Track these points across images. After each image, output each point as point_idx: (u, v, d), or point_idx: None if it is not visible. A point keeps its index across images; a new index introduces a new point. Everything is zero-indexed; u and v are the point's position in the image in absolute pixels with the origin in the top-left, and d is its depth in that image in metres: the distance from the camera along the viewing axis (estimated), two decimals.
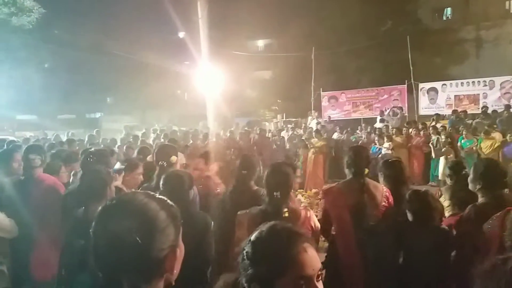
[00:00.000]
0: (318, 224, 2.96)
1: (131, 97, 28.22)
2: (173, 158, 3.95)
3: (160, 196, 1.27)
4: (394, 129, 13.23)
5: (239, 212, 3.07)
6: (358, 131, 14.92)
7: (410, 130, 12.76)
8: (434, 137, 11.91)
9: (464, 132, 10.95)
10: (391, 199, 3.19)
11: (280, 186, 2.82)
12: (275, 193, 2.78)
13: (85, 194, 2.91)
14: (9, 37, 21.34)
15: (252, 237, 1.36)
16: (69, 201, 3.32)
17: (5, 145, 9.44)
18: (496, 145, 9.94)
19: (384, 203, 3.16)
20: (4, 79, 21.08)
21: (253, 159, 3.80)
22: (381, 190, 3.23)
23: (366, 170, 3.20)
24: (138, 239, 1.09)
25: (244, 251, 1.33)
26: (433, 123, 13.84)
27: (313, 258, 1.27)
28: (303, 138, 13.18)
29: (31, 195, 3.54)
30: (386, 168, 3.62)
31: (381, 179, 3.62)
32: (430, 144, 11.06)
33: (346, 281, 3.03)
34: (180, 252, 1.24)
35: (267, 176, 2.95)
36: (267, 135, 14.63)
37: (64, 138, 14.25)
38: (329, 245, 3.32)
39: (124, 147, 6.18)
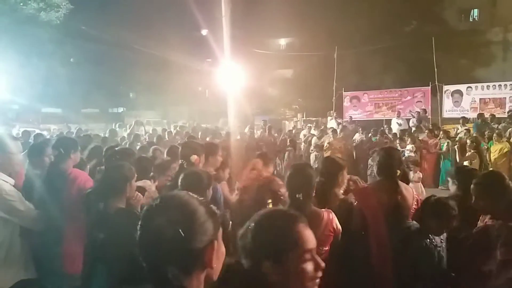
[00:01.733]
0: (339, 227, 2.91)
1: (154, 93, 28.57)
2: (193, 157, 3.92)
3: (197, 196, 1.36)
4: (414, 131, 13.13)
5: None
6: (386, 132, 14.64)
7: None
8: (444, 141, 11.90)
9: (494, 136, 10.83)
10: (419, 203, 3.19)
11: (303, 187, 2.79)
12: (297, 194, 2.76)
13: (106, 189, 2.94)
14: (37, 32, 21.82)
15: (254, 222, 1.49)
16: (91, 197, 3.38)
17: (32, 138, 9.72)
18: (505, 150, 9.80)
19: (414, 205, 3.17)
20: (31, 73, 21.57)
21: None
22: (411, 192, 3.24)
23: (398, 172, 3.20)
24: (180, 231, 1.20)
25: (249, 234, 1.46)
26: (459, 127, 13.63)
27: (311, 234, 1.48)
28: (317, 137, 13.08)
29: (63, 190, 3.59)
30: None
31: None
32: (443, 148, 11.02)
33: (375, 280, 3.00)
34: (220, 247, 1.33)
35: (289, 177, 2.92)
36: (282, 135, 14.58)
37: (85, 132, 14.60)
38: (352, 245, 3.20)
39: (151, 150, 6.07)
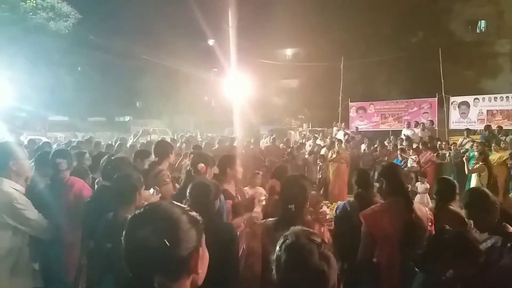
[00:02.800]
0: (330, 240, 2.92)
1: (160, 102, 28.67)
2: (200, 165, 3.95)
3: (180, 204, 1.40)
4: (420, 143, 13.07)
5: (257, 222, 3.10)
6: (386, 143, 14.66)
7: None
8: (446, 153, 11.91)
9: (474, 145, 11.10)
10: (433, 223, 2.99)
11: (295, 198, 2.78)
12: (289, 205, 2.74)
13: (115, 198, 2.94)
14: (46, 41, 22.07)
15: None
16: (92, 207, 3.36)
17: (41, 144, 9.74)
18: (504, 158, 9.78)
19: (429, 227, 2.95)
20: (39, 81, 21.76)
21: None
22: (425, 212, 3.01)
23: (409, 187, 3.07)
24: (165, 240, 1.22)
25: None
26: (464, 139, 13.57)
27: None
28: (326, 148, 13.03)
29: (61, 198, 3.62)
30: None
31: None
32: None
33: None
34: (204, 253, 1.37)
35: (283, 187, 2.93)
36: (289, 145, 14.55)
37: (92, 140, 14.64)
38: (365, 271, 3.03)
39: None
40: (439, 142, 13.23)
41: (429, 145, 12.34)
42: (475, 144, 10.95)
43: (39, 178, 3.93)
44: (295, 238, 1.58)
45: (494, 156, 10.23)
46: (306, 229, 1.66)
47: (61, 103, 24.27)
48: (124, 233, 1.31)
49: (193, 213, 1.38)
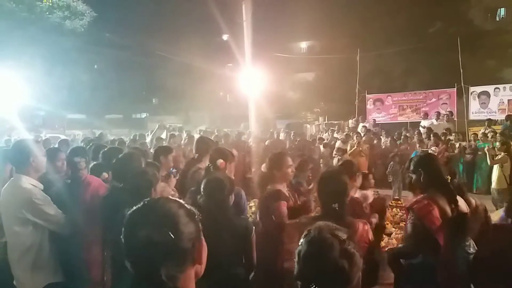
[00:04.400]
0: (373, 238, 2.78)
1: (176, 98, 28.87)
2: (219, 161, 3.91)
3: (176, 199, 1.45)
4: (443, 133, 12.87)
5: (288, 222, 3.00)
6: (408, 135, 14.39)
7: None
8: (456, 144, 11.86)
9: (480, 136, 11.71)
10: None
11: (338, 196, 2.65)
12: (333, 204, 2.61)
13: (130, 194, 2.94)
14: (62, 40, 22.37)
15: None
16: (109, 202, 3.37)
17: (57, 144, 9.87)
18: (490, 147, 9.71)
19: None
20: (56, 80, 22.09)
21: None
22: (463, 202, 2.96)
23: (449, 177, 2.96)
24: (170, 233, 1.27)
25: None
26: (484, 130, 13.30)
27: None
28: (342, 142, 12.90)
29: (79, 197, 3.63)
30: None
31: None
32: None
33: None
34: (204, 243, 1.43)
35: (322, 184, 2.78)
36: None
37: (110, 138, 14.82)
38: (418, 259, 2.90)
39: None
40: (453, 134, 13.00)
41: (442, 138, 12.17)
42: (497, 135, 10.78)
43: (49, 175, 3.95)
44: (318, 231, 1.56)
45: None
46: (332, 224, 1.62)
47: (79, 101, 24.63)
48: (123, 232, 1.34)
49: (189, 207, 1.41)
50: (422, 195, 2.95)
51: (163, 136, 13.89)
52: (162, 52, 24.95)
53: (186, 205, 1.41)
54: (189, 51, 25.52)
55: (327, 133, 15.84)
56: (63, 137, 17.50)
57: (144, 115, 32.80)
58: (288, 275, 2.73)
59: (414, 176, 3.00)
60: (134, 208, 1.40)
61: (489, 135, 11.83)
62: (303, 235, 1.61)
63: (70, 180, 3.83)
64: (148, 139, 12.85)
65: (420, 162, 3.02)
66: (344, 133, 14.23)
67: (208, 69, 26.23)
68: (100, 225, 3.42)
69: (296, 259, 1.57)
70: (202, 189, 2.94)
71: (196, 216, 1.41)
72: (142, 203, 1.41)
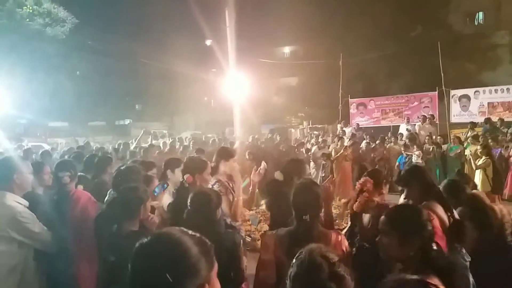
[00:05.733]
0: (349, 248, 2.74)
1: (160, 104, 28.70)
2: (186, 176, 3.88)
3: (194, 233, 1.36)
4: (427, 137, 13.10)
5: (266, 232, 2.97)
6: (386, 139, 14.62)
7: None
8: (430, 147, 12.03)
9: (451, 138, 12.08)
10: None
11: (310, 207, 2.65)
12: (304, 216, 2.61)
13: (119, 211, 2.89)
14: (43, 47, 22.06)
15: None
16: (102, 219, 3.32)
17: (40, 154, 9.69)
18: (478, 152, 9.69)
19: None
20: (38, 87, 21.75)
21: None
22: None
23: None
24: (168, 275, 1.18)
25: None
26: (467, 133, 13.59)
27: None
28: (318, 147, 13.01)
29: (67, 212, 3.57)
30: None
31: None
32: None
33: None
34: (215, 284, 1.34)
35: (295, 195, 2.76)
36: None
37: (93, 146, 14.58)
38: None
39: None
40: (427, 137, 13.20)
41: (416, 141, 12.43)
42: (470, 139, 11.03)
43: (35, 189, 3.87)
44: (308, 253, 1.57)
45: (471, 148, 10.44)
46: (323, 246, 1.64)
47: (61, 109, 24.28)
48: (130, 262, 1.29)
49: (204, 244, 1.33)
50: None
51: (148, 141, 13.79)
52: (146, 57, 24.83)
53: (203, 241, 1.33)
54: (173, 56, 25.45)
55: (313, 139, 15.86)
56: (45, 145, 17.30)
57: (127, 121, 32.45)
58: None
59: (407, 189, 3.04)
60: (146, 238, 1.31)
61: (469, 138, 12.01)
62: (295, 256, 1.61)
63: (58, 195, 3.73)
64: (132, 147, 12.67)
65: (414, 174, 3.07)
66: (321, 139, 14.25)
67: (192, 74, 26.18)
68: (90, 241, 3.35)
69: (287, 280, 1.58)
70: (189, 203, 2.90)
71: (210, 256, 1.32)
72: (155, 234, 1.34)
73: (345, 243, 2.69)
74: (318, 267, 1.51)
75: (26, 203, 3.20)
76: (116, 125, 31.70)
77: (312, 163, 12.50)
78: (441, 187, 3.80)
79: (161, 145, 13.24)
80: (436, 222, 2.67)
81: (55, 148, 16.21)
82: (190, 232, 1.35)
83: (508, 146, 10.97)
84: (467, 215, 2.86)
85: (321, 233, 2.63)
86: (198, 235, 1.35)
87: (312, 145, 13.99)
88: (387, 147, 13.12)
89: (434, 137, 13.37)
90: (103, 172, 4.80)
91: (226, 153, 4.37)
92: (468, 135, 13.10)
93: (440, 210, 2.84)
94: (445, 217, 2.82)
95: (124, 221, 2.82)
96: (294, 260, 1.60)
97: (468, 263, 2.62)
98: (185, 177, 3.90)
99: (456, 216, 2.85)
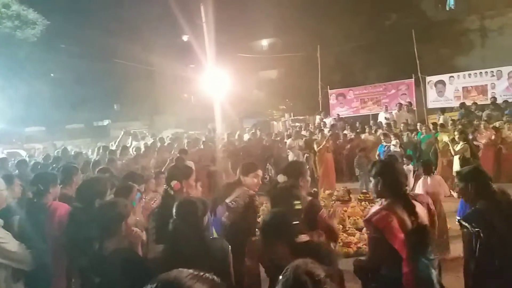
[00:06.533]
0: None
1: (138, 103, 28.31)
2: (173, 182, 3.86)
3: (207, 275, 1.27)
4: (402, 124, 13.39)
5: (253, 239, 3.01)
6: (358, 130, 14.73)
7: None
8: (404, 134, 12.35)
9: (423, 129, 12.12)
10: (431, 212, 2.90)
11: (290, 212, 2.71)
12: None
13: (100, 228, 2.80)
14: (14, 50, 21.48)
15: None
16: (72, 233, 3.26)
17: (15, 164, 9.49)
18: (450, 138, 10.15)
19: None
20: (12, 93, 21.22)
21: None
22: (423, 209, 2.85)
23: (407, 189, 2.77)
24: None
25: None
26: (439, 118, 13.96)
27: None
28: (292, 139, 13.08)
29: (44, 225, 3.50)
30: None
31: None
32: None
33: None
34: None
35: (273, 201, 2.86)
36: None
37: (71, 149, 14.31)
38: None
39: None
40: (402, 124, 13.47)
41: (392, 129, 12.74)
42: (457, 126, 11.28)
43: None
44: (293, 270, 1.56)
45: (440, 137, 10.84)
46: (310, 261, 1.62)
47: (37, 113, 23.71)
48: None
49: (218, 285, 1.26)
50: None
51: (128, 143, 13.58)
52: (122, 57, 24.41)
53: (217, 284, 1.25)
54: (149, 53, 25.10)
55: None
56: (22, 152, 16.91)
57: (106, 122, 31.94)
58: None
59: (373, 181, 2.91)
60: (154, 284, 1.21)
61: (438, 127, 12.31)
62: (282, 273, 1.61)
63: (34, 208, 3.64)
64: (113, 148, 12.46)
65: (379, 169, 2.89)
66: (304, 131, 14.24)
67: (170, 72, 25.93)
68: (68, 254, 3.30)
69: None
70: (174, 213, 2.85)
71: None
72: (161, 279, 1.22)
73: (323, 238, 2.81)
74: (302, 285, 1.51)
75: (1, 221, 3.12)
76: (95, 126, 31.18)
77: (290, 154, 12.58)
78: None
79: (142, 146, 13.05)
80: (395, 224, 2.64)
81: (32, 154, 15.88)
82: (201, 274, 1.26)
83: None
84: None
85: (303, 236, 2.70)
86: (210, 277, 1.26)
87: (288, 136, 13.94)
88: (362, 137, 13.28)
89: (408, 122, 13.63)
90: (68, 184, 4.48)
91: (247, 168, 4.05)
92: (439, 122, 13.42)
93: (401, 211, 2.70)
94: (407, 219, 2.67)
95: (105, 239, 2.74)
96: (280, 277, 1.59)
97: (429, 262, 2.62)
98: (172, 184, 3.88)
99: (422, 219, 2.75)
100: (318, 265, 1.60)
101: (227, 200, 3.76)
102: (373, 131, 13.47)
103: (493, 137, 10.87)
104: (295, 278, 1.53)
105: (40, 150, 17.49)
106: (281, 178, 3.49)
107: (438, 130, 11.62)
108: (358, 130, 14.04)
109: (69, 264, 3.34)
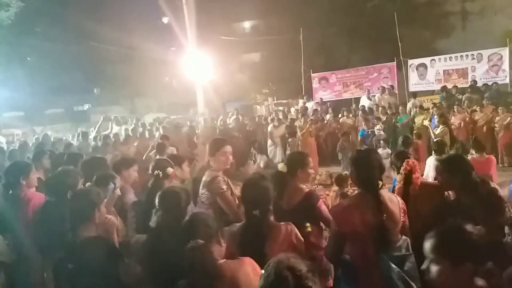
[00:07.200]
0: (301, 238, 2.75)
1: (119, 87, 27.79)
2: (169, 170, 3.77)
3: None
4: (381, 108, 13.52)
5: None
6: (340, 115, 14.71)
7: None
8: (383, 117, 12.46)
9: (400, 109, 12.38)
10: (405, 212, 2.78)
11: (259, 203, 2.70)
12: (253, 211, 2.67)
13: (72, 217, 2.80)
14: None
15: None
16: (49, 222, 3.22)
17: None
18: (425, 122, 10.49)
19: (402, 218, 2.71)
20: None
21: None
22: (397, 202, 2.74)
23: (381, 183, 2.66)
24: None
25: None
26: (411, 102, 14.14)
27: None
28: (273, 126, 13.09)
29: (19, 216, 3.47)
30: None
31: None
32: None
33: None
34: None
35: (244, 191, 2.80)
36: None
37: (51, 135, 14.02)
38: (339, 270, 2.89)
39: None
40: (380, 108, 13.60)
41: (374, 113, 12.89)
42: (435, 109, 11.42)
43: None
44: (275, 266, 1.57)
45: (418, 118, 11.08)
46: (292, 256, 1.63)
47: (14, 98, 23.06)
48: None
49: None
50: None
51: (108, 129, 13.38)
52: (100, 40, 23.80)
53: None
54: (129, 36, 24.47)
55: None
56: (0, 138, 16.51)
57: (86, 106, 31.31)
58: None
59: (348, 172, 2.91)
60: None
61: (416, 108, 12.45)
62: (264, 268, 1.62)
63: (8, 199, 3.63)
64: (92, 136, 12.28)
65: (353, 159, 2.80)
66: (277, 118, 14.11)
67: (150, 54, 25.45)
68: (42, 245, 3.27)
69: None
70: (157, 203, 2.85)
71: None
72: None
73: (296, 233, 2.73)
74: (284, 280, 1.51)
75: None
76: (75, 111, 30.53)
77: (269, 141, 12.58)
78: (392, 156, 3.98)
79: (122, 132, 12.87)
80: (354, 219, 2.59)
81: (11, 141, 15.56)
82: None
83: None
84: None
85: (270, 226, 2.70)
86: None
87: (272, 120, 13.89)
88: (340, 121, 13.33)
89: (386, 107, 13.75)
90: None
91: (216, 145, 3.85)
92: (409, 106, 13.59)
93: (366, 205, 2.61)
94: (370, 215, 2.58)
95: (78, 228, 2.75)
96: (262, 271, 1.61)
97: (390, 258, 2.55)
98: (168, 171, 3.77)
99: (390, 206, 2.68)
100: (300, 260, 1.60)
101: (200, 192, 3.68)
102: (350, 115, 13.50)
103: (467, 119, 11.04)
104: (276, 273, 1.53)
105: (20, 136, 17.15)
106: (281, 167, 3.41)
107: (416, 111, 11.74)
108: (333, 114, 14.02)
109: (43, 255, 3.31)
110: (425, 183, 3.57)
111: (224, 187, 3.54)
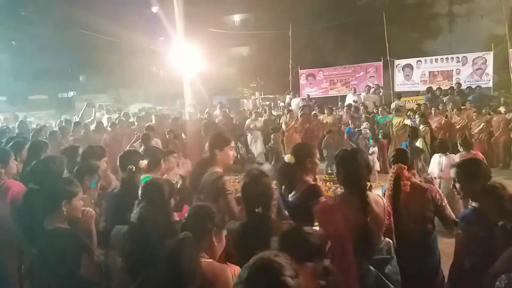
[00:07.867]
0: None
1: (105, 75, 27.48)
2: (142, 162, 3.67)
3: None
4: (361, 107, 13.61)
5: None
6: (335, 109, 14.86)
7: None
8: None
9: (380, 109, 12.37)
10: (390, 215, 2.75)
11: (261, 200, 2.64)
12: (256, 209, 2.62)
13: (42, 205, 2.77)
14: None
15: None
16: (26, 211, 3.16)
17: None
18: (403, 123, 10.59)
19: (386, 220, 2.66)
20: None
21: None
22: (382, 205, 2.67)
23: (369, 185, 2.63)
24: None
25: None
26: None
27: None
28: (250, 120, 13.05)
29: None
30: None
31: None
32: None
33: None
34: None
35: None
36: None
37: (34, 122, 13.77)
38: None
39: None
40: (361, 107, 13.67)
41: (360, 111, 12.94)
42: (412, 114, 11.57)
43: None
44: (255, 261, 1.49)
45: (395, 120, 11.22)
46: (274, 254, 1.53)
47: None
48: None
49: None
50: None
51: (92, 116, 13.21)
52: (88, 27, 23.45)
53: None
54: (118, 24, 24.21)
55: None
56: None
57: (71, 94, 30.86)
58: None
59: (335, 171, 2.78)
60: None
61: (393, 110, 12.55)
62: (245, 265, 1.52)
63: None
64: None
65: (339, 159, 2.72)
66: (254, 111, 13.94)
67: (138, 44, 25.23)
68: (18, 235, 3.22)
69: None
70: (140, 195, 2.81)
71: None
72: None
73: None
74: (264, 276, 1.45)
75: None
76: (60, 98, 30.11)
77: (249, 136, 12.56)
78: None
79: (105, 121, 12.75)
80: (336, 218, 2.54)
81: None
82: None
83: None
84: None
85: (272, 224, 2.62)
86: None
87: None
88: (320, 118, 13.33)
89: (372, 106, 13.88)
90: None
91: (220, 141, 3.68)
92: (392, 107, 13.70)
93: (350, 206, 2.56)
94: (353, 216, 2.53)
95: (47, 215, 2.72)
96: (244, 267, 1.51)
97: (369, 261, 2.54)
98: (141, 164, 3.71)
99: (375, 208, 2.64)
100: (282, 257, 1.52)
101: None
102: (332, 113, 13.53)
103: (442, 122, 11.19)
104: (256, 269, 1.46)
105: (1, 121, 16.84)
106: (289, 158, 3.25)
107: (393, 113, 11.88)
108: (318, 111, 14.01)
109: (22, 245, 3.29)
110: (416, 185, 3.42)
111: (229, 189, 3.43)
